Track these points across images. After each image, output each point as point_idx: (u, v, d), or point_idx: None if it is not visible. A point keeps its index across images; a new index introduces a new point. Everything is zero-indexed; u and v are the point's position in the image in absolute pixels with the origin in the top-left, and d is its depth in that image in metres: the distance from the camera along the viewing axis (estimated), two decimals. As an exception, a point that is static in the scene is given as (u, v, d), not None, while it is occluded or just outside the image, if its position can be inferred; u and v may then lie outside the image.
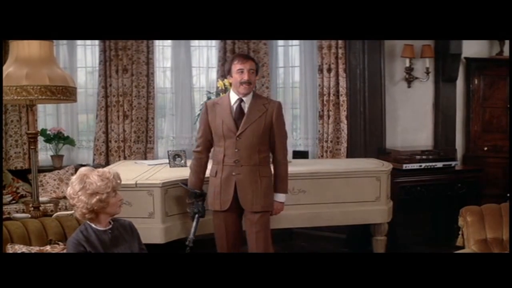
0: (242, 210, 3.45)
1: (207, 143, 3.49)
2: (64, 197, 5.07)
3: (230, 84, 3.60)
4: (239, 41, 5.89)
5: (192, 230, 3.39)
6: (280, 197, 3.53)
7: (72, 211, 3.21)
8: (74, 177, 2.52)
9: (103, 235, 2.54)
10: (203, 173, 3.54)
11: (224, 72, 3.62)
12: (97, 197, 2.46)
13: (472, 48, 5.91)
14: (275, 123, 3.44)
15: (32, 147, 3.86)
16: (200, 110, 4.65)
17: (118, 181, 2.57)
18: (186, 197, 3.59)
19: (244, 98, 3.42)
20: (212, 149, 3.56)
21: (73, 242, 2.49)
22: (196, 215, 3.43)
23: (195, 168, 3.51)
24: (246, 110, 3.41)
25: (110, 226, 2.59)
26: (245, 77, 3.36)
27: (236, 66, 3.38)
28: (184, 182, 3.61)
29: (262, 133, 3.40)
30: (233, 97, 3.44)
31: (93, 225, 2.54)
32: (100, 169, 2.57)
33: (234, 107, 3.42)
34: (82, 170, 2.55)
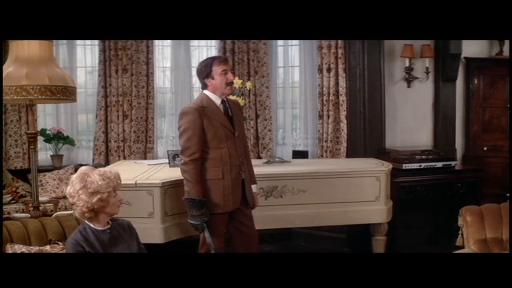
0: (242, 205, 3.50)
1: (201, 149, 3.36)
2: (64, 197, 5.07)
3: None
4: (239, 41, 5.89)
5: (210, 239, 3.27)
6: (255, 187, 3.67)
7: (72, 211, 3.21)
8: (74, 176, 2.51)
9: (102, 235, 2.53)
10: (205, 178, 3.41)
11: (201, 75, 3.44)
12: (98, 196, 2.46)
13: (472, 48, 5.91)
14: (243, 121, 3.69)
15: (31, 147, 3.86)
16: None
17: (119, 181, 2.57)
18: (192, 210, 3.31)
19: (225, 99, 3.47)
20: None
21: (72, 243, 2.48)
22: (205, 224, 3.32)
23: (197, 177, 3.33)
24: (230, 111, 3.48)
25: (109, 226, 2.58)
26: (231, 77, 3.42)
27: (220, 68, 3.38)
28: (188, 197, 3.34)
29: (244, 131, 3.63)
30: (216, 99, 3.42)
31: (91, 225, 2.53)
32: (101, 169, 2.56)
33: (222, 108, 3.44)
34: (82, 169, 2.54)
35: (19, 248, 2.84)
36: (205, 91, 3.44)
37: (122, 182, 2.64)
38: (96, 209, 2.49)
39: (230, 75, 3.41)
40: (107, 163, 5.69)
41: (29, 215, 4.01)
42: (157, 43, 5.95)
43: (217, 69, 3.38)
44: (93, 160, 5.85)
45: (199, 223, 3.30)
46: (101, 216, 2.54)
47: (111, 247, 2.54)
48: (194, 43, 6.08)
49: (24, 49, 3.65)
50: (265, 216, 3.93)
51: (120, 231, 2.62)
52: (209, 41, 6.07)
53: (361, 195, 4.29)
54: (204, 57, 6.07)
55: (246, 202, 3.52)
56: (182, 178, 3.85)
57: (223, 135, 3.38)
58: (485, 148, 6.00)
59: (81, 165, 5.42)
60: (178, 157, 4.49)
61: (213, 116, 3.37)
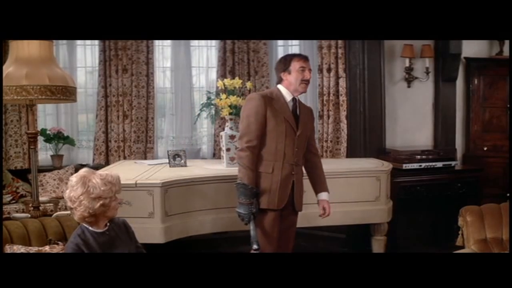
0: (289, 210, 3.37)
1: (260, 138, 3.25)
2: (64, 197, 5.07)
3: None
4: (239, 41, 5.90)
5: (254, 232, 3.16)
6: (327, 195, 3.53)
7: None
8: (74, 180, 2.44)
9: (101, 237, 2.49)
10: (256, 170, 3.28)
11: (279, 68, 3.36)
12: (101, 201, 2.41)
13: (472, 48, 5.91)
14: (312, 128, 3.57)
15: (32, 147, 3.85)
16: (201, 110, 4.66)
17: (120, 185, 2.53)
18: (242, 198, 3.19)
19: (296, 98, 3.39)
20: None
21: (72, 248, 2.43)
22: (253, 216, 3.19)
23: (252, 165, 3.23)
24: (298, 110, 3.38)
25: (107, 228, 2.54)
26: (308, 75, 3.34)
27: (299, 64, 3.31)
28: (240, 182, 3.22)
29: (309, 135, 3.48)
30: (287, 95, 3.34)
31: (90, 228, 2.48)
32: (102, 172, 2.51)
33: (291, 105, 3.34)
34: (82, 172, 2.48)
35: (18, 249, 2.83)
36: (279, 86, 3.38)
37: (123, 182, 2.62)
38: (97, 214, 2.45)
39: (307, 73, 3.32)
40: (107, 163, 5.69)
41: (29, 215, 4.00)
42: (157, 43, 5.95)
43: (295, 65, 3.30)
44: (93, 160, 5.85)
45: (246, 213, 3.17)
46: (101, 220, 2.50)
47: (110, 248, 2.51)
48: (194, 43, 6.08)
49: (24, 49, 3.64)
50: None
51: (117, 232, 2.59)
52: (209, 41, 6.07)
53: (361, 195, 4.29)
54: (204, 57, 6.14)
55: (294, 207, 3.38)
56: (183, 178, 3.89)
57: (284, 130, 3.26)
58: (485, 148, 6.00)
59: (82, 165, 5.45)
60: (178, 157, 4.50)
61: (278, 109, 3.28)
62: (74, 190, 2.42)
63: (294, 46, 6.13)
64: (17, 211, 4.95)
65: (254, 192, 3.20)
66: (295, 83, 3.31)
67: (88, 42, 5.92)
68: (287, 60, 3.35)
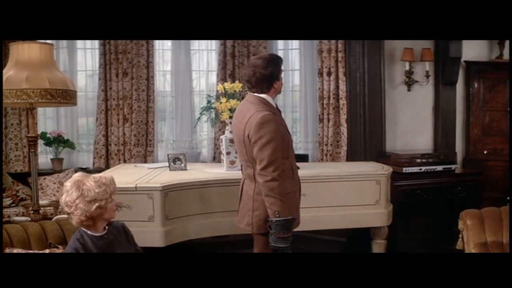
0: None
1: None
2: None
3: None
4: (239, 44, 5.90)
5: None
6: None
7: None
8: (68, 185, 2.46)
9: (100, 241, 2.50)
10: None
11: (274, 77, 2.97)
12: (96, 204, 2.42)
13: (472, 52, 5.92)
14: None
15: (32, 150, 3.86)
16: (201, 114, 4.67)
17: (114, 186, 2.53)
18: (283, 232, 2.89)
19: None
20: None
21: (71, 252, 2.44)
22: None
23: (284, 192, 2.92)
24: None
25: (105, 231, 2.54)
26: None
27: (282, 70, 3.04)
28: (279, 218, 2.87)
29: None
30: (273, 103, 3.03)
31: (89, 232, 2.49)
32: (96, 175, 2.52)
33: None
34: (76, 177, 2.49)
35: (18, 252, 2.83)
36: (264, 96, 3.00)
37: (123, 186, 2.62)
38: (94, 216, 2.45)
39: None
40: (107, 166, 5.69)
41: (29, 219, 4.00)
42: (158, 46, 5.96)
43: (281, 70, 3.03)
44: (94, 163, 5.85)
45: (287, 245, 2.91)
46: (99, 223, 2.50)
47: (109, 252, 2.51)
48: (195, 46, 6.09)
49: (24, 52, 3.65)
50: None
51: (116, 235, 2.59)
52: (209, 45, 6.08)
53: (361, 198, 4.28)
54: (204, 61, 6.13)
55: None
56: (183, 181, 3.88)
57: (289, 143, 3.04)
58: (485, 152, 6.00)
59: (82, 168, 5.45)
60: (178, 160, 4.50)
61: (283, 123, 3.03)
62: (69, 195, 2.44)
63: (294, 50, 6.14)
64: (17, 215, 4.96)
65: (292, 221, 2.92)
66: (279, 88, 3.07)
67: (88, 45, 5.94)
68: (279, 66, 3.01)
